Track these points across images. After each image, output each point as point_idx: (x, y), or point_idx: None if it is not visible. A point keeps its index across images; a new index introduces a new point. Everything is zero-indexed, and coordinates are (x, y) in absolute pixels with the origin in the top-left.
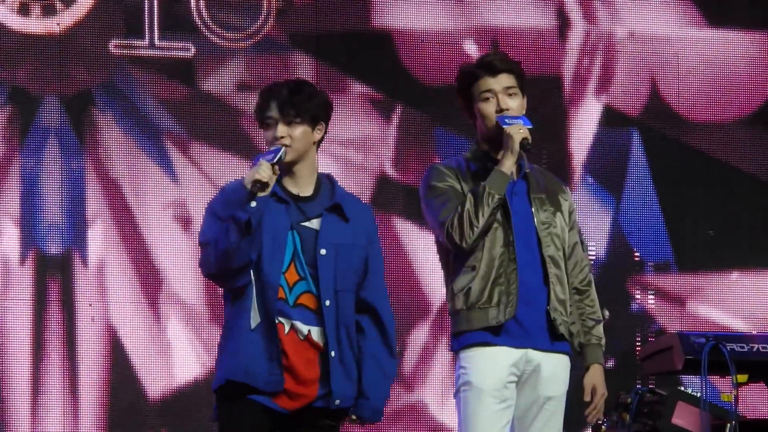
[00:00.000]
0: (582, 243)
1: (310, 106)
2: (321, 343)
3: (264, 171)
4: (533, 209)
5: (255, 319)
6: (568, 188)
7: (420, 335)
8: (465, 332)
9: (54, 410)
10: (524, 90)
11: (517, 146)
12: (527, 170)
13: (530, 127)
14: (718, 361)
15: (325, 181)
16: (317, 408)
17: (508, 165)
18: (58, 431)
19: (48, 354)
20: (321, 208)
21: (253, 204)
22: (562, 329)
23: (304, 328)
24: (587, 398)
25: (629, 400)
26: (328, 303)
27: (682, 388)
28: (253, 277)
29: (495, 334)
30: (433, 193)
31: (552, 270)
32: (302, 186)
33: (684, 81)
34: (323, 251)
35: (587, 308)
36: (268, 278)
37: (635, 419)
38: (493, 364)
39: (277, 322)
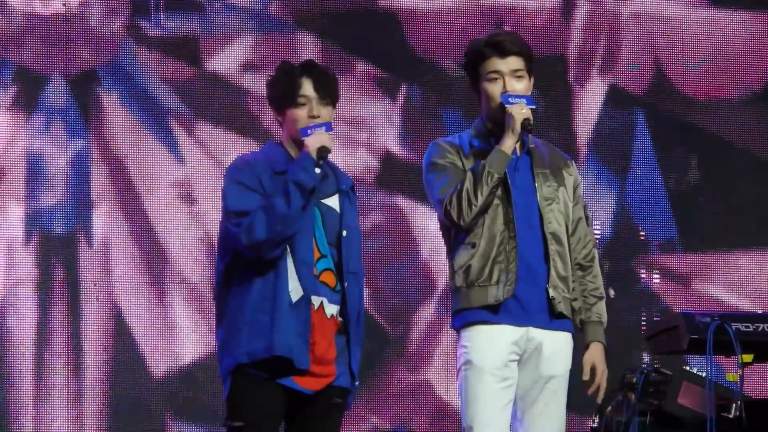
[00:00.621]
0: (587, 218)
1: (336, 89)
2: (339, 322)
3: (327, 138)
4: (536, 184)
5: (296, 292)
6: (573, 163)
7: (425, 314)
8: (465, 310)
9: (58, 389)
10: (531, 72)
11: (518, 126)
12: (531, 146)
13: (533, 107)
14: (724, 341)
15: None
16: (332, 387)
17: (509, 144)
18: (62, 410)
19: (52, 333)
20: (333, 186)
21: (318, 171)
22: (561, 307)
23: (330, 307)
24: (586, 377)
25: (634, 379)
26: (347, 284)
27: (688, 368)
28: (289, 252)
29: (494, 313)
30: (434, 170)
31: (553, 247)
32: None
33: (688, 60)
34: (345, 233)
35: (589, 284)
36: (301, 254)
37: (640, 399)
38: (493, 343)
39: (311, 299)
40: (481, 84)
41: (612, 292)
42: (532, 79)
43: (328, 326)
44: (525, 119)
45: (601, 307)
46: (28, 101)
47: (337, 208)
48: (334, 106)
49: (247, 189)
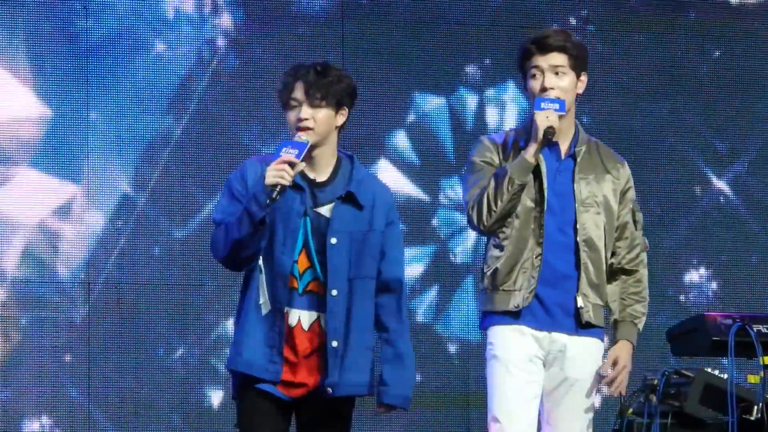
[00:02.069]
0: (635, 222)
1: (336, 90)
2: (326, 331)
3: (287, 177)
4: (575, 189)
5: (266, 306)
6: (625, 164)
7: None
8: (489, 312)
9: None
10: (580, 69)
11: (540, 134)
12: (578, 148)
13: (563, 113)
14: (745, 343)
15: (344, 164)
16: (328, 397)
17: (531, 152)
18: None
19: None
20: (334, 194)
21: (269, 202)
22: (588, 316)
23: (311, 318)
24: (605, 371)
25: (656, 381)
26: (335, 293)
27: (709, 370)
28: (262, 265)
29: (517, 317)
30: (470, 169)
31: (584, 254)
32: (319, 170)
33: None
34: (333, 240)
35: (630, 288)
36: (279, 266)
37: (662, 401)
38: (517, 340)
39: (285, 311)
40: (526, 81)
41: None
42: (583, 76)
43: (307, 338)
44: (548, 127)
45: (638, 309)
46: None
47: (329, 216)
48: (338, 109)
49: (232, 198)
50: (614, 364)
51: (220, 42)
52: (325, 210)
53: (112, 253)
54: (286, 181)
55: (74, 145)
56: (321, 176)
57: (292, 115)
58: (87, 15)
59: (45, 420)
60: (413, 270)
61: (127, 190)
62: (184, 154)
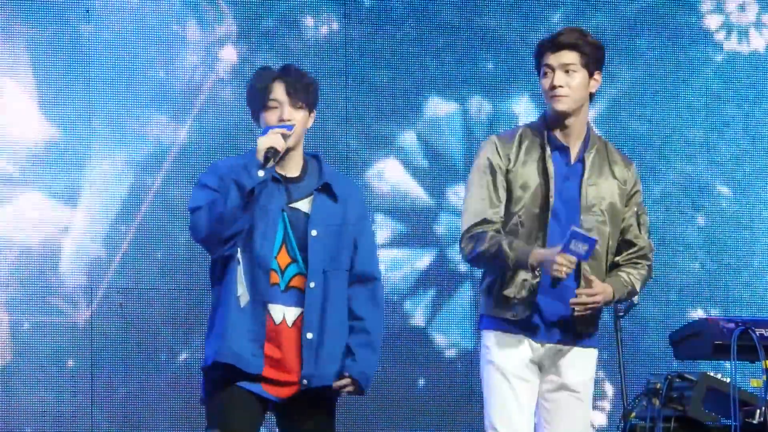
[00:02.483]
0: (639, 225)
1: (313, 91)
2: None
3: (279, 139)
4: (582, 195)
5: (244, 298)
6: (633, 167)
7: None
8: (488, 316)
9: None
10: (594, 68)
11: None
12: (587, 153)
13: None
14: (748, 346)
15: (311, 162)
16: (310, 390)
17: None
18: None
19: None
20: (309, 188)
21: (262, 173)
22: (582, 329)
23: (295, 314)
24: (578, 291)
25: (659, 385)
26: (312, 285)
27: (712, 374)
28: (241, 257)
29: (515, 325)
30: (474, 179)
31: (585, 263)
32: (290, 169)
33: None
34: (314, 232)
35: (625, 270)
36: (259, 260)
37: (665, 404)
38: (514, 345)
39: (268, 307)
40: (540, 78)
41: (636, 298)
42: (596, 75)
43: (291, 333)
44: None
45: (632, 280)
46: None
47: (307, 210)
48: (310, 111)
49: (205, 188)
50: (592, 283)
51: (224, 50)
52: (302, 204)
53: (114, 258)
54: (279, 146)
55: (77, 150)
56: (292, 174)
57: (271, 116)
58: (89, 20)
59: (48, 425)
60: (413, 272)
61: (130, 195)
62: (188, 159)
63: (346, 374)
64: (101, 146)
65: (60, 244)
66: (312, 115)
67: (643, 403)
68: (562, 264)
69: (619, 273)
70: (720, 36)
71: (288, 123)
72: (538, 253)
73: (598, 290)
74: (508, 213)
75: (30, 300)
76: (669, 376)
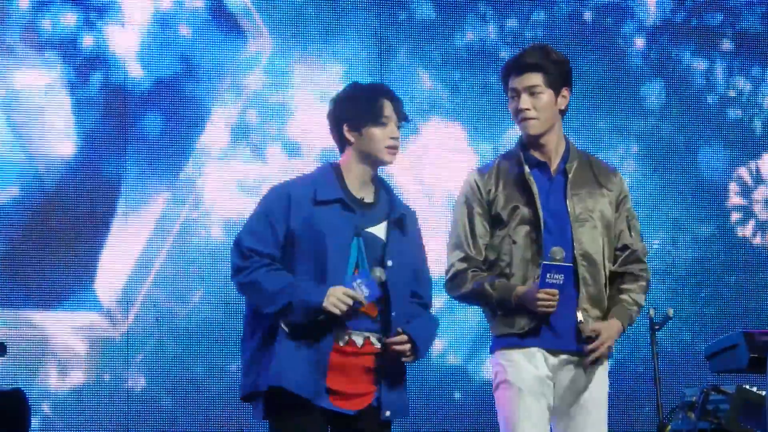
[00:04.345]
0: (629, 228)
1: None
2: (379, 348)
3: (344, 311)
4: (568, 205)
5: (306, 327)
6: (618, 174)
7: None
8: (497, 336)
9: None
10: (561, 85)
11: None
12: (569, 164)
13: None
14: None
15: (383, 186)
16: (375, 407)
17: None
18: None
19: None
20: (383, 214)
21: (321, 318)
22: (587, 332)
23: (360, 338)
24: (585, 333)
25: (695, 398)
26: (394, 314)
27: (748, 387)
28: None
29: (525, 338)
30: (455, 215)
31: (582, 269)
32: (367, 191)
33: None
34: (390, 262)
35: (626, 284)
36: (331, 284)
37: (701, 418)
38: (527, 362)
39: (335, 332)
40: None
41: (671, 312)
42: (564, 91)
43: (357, 358)
44: (330, 311)
45: (632, 297)
46: None
47: (383, 237)
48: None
49: (269, 226)
50: (596, 335)
51: (255, 72)
52: (376, 230)
53: (150, 272)
54: (340, 313)
55: (112, 166)
56: (368, 197)
57: (382, 132)
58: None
59: None
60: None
61: (165, 210)
62: (223, 173)
63: (401, 331)
64: (136, 162)
65: (95, 258)
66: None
67: (679, 417)
68: (545, 299)
69: (621, 297)
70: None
71: (377, 280)
72: (520, 291)
73: (604, 337)
74: (501, 237)
75: (66, 315)
76: (705, 389)
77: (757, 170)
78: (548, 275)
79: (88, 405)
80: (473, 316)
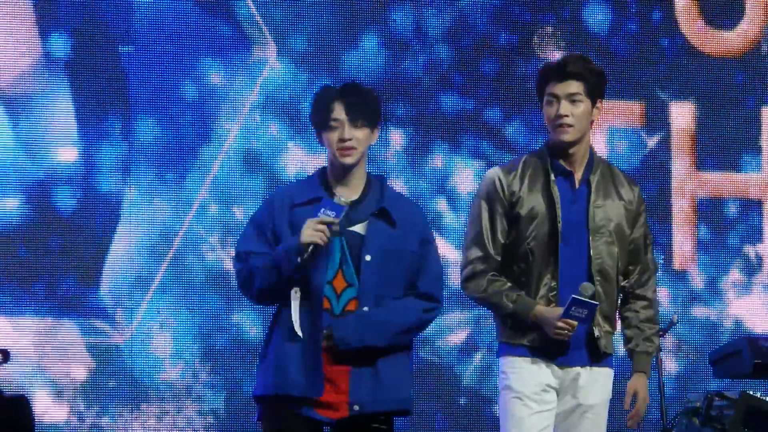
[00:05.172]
0: (646, 246)
1: (375, 109)
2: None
3: (323, 236)
4: (589, 217)
5: (300, 328)
6: (637, 188)
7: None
8: (505, 343)
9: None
10: (597, 96)
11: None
12: (593, 175)
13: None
14: None
15: (374, 184)
16: (363, 416)
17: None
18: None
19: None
20: (367, 212)
21: (300, 260)
22: (603, 348)
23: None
24: (626, 406)
25: (698, 404)
26: (366, 309)
27: (752, 392)
28: (299, 287)
29: (532, 350)
30: (477, 210)
31: (599, 285)
32: (351, 189)
33: None
34: (368, 257)
35: (642, 313)
36: (315, 288)
37: (704, 423)
38: (532, 370)
39: (320, 333)
40: (542, 105)
41: (676, 318)
42: (599, 103)
43: (342, 356)
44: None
45: (652, 339)
46: None
47: (363, 233)
48: (372, 129)
49: (259, 234)
50: (634, 397)
51: (264, 72)
52: (359, 228)
53: (154, 278)
54: (322, 241)
55: (116, 170)
56: (353, 195)
57: (332, 136)
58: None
59: None
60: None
61: (170, 217)
62: (228, 178)
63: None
64: (140, 167)
65: (100, 263)
66: (375, 132)
67: (683, 422)
68: (563, 328)
69: (640, 343)
70: None
71: (341, 204)
72: (539, 312)
73: (640, 404)
74: (518, 241)
75: (70, 322)
76: (708, 395)
77: None
78: (574, 308)
79: (92, 411)
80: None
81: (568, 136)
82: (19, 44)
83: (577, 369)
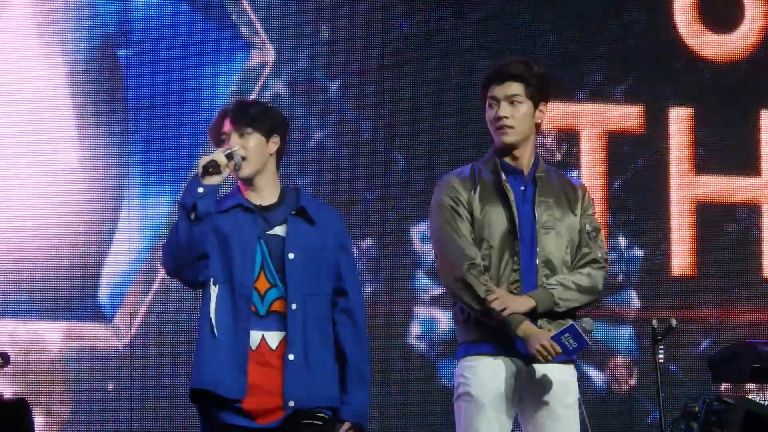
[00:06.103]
0: (588, 233)
1: (263, 118)
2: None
3: (219, 155)
4: (536, 213)
5: (219, 327)
6: (583, 188)
7: None
8: (467, 343)
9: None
10: (540, 99)
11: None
12: (540, 174)
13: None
14: None
15: (290, 192)
16: (299, 413)
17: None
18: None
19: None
20: (285, 214)
21: (201, 189)
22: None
23: (277, 338)
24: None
25: (697, 408)
26: (294, 306)
27: (750, 397)
28: (219, 287)
29: (495, 346)
30: (442, 219)
31: (542, 273)
32: (265, 196)
33: None
34: (291, 255)
35: (575, 276)
36: (238, 288)
37: (703, 428)
38: (493, 376)
39: (250, 334)
40: (485, 109)
41: (674, 322)
42: (542, 106)
43: (272, 358)
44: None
45: (556, 293)
46: None
47: (283, 234)
48: (264, 133)
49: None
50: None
51: (263, 77)
52: (278, 229)
53: (154, 281)
54: (218, 158)
55: (114, 175)
56: (268, 201)
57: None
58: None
59: None
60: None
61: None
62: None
63: (344, 419)
64: (139, 171)
65: (99, 267)
66: (273, 139)
67: (681, 427)
68: (547, 350)
69: (555, 286)
70: None
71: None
72: (527, 328)
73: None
74: (478, 242)
75: (70, 325)
76: (707, 400)
77: None
78: (566, 335)
79: (91, 415)
80: None
81: (508, 138)
82: (20, 45)
83: (541, 369)
